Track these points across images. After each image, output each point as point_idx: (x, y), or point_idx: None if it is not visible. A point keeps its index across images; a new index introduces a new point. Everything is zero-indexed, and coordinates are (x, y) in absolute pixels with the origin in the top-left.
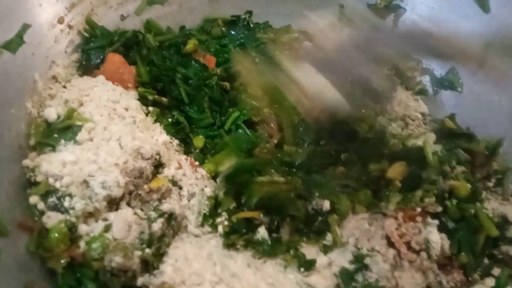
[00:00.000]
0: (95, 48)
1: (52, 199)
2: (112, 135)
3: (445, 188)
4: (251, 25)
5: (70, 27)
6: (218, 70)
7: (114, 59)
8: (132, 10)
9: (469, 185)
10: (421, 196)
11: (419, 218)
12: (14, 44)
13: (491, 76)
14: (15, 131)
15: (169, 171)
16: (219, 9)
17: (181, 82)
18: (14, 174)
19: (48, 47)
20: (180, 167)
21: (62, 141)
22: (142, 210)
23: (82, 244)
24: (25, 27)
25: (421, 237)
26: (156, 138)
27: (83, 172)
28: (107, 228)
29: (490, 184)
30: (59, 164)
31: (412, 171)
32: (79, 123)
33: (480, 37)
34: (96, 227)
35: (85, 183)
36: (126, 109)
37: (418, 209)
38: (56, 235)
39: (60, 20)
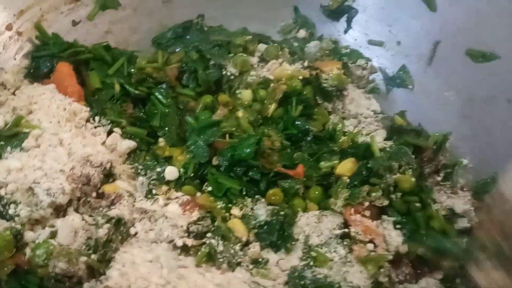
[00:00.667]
0: (45, 56)
1: None
2: (61, 142)
3: (391, 182)
4: (205, 28)
5: (19, 33)
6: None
7: (62, 70)
8: (85, 15)
9: (413, 179)
10: (368, 190)
11: (367, 212)
12: None
13: (441, 73)
14: None
15: (122, 183)
16: (174, 12)
17: None
18: None
19: None
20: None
21: (9, 148)
22: (91, 216)
23: (28, 251)
24: None
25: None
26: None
27: (28, 179)
28: (53, 235)
29: (439, 178)
30: (4, 171)
31: (360, 167)
32: (26, 130)
33: (428, 35)
34: (42, 233)
35: (30, 190)
36: (76, 116)
37: (366, 203)
38: (0, 242)
39: (9, 27)
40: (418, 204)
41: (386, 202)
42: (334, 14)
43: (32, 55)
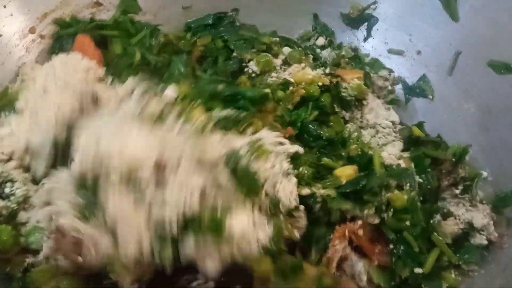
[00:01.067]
0: (67, 34)
1: None
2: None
3: (384, 200)
4: (237, 24)
5: (41, 36)
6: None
7: (81, 40)
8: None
9: (405, 197)
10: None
11: (360, 231)
12: None
13: (461, 84)
14: None
15: None
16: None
17: None
18: None
19: (19, 56)
20: None
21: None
22: None
23: (22, 239)
24: None
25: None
26: None
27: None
28: None
29: (457, 191)
30: None
31: (358, 177)
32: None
33: (449, 45)
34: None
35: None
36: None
37: (359, 222)
38: (6, 238)
39: (32, 30)
40: (408, 223)
41: (377, 220)
42: (354, 22)
43: (55, 35)
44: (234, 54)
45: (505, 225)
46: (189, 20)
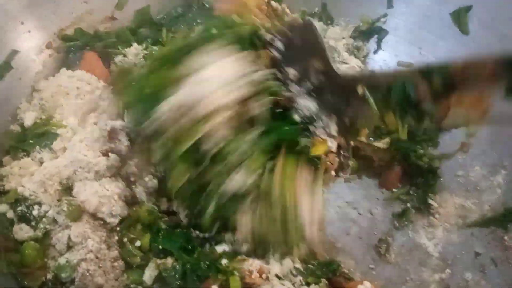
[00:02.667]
0: (74, 47)
1: (21, 208)
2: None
3: None
4: (206, 6)
5: (58, 51)
6: None
7: (89, 57)
8: None
9: None
10: None
11: None
12: (2, 69)
13: None
14: None
15: None
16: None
17: None
18: None
19: (36, 71)
20: None
21: (37, 147)
22: None
23: (51, 263)
24: (13, 53)
25: None
26: None
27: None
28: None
29: None
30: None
31: None
32: (54, 129)
33: (459, 58)
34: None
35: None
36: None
37: None
38: (30, 251)
39: (48, 45)
40: None
41: None
42: (364, 35)
43: (64, 48)
44: None
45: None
46: (158, 17)
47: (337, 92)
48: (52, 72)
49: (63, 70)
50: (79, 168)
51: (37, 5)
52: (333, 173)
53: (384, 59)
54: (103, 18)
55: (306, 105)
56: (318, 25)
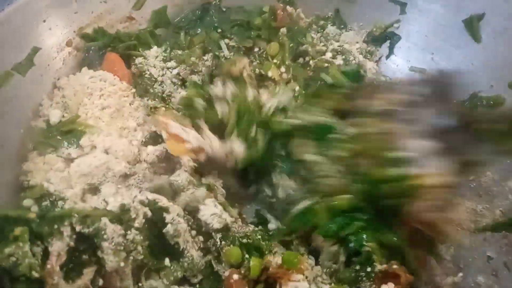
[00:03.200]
0: (96, 47)
1: (45, 203)
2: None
3: None
4: (224, 10)
5: (77, 49)
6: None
7: (111, 58)
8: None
9: None
10: None
11: None
12: (24, 66)
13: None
14: (14, 138)
15: None
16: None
17: None
18: (7, 178)
19: (56, 69)
20: None
21: (65, 143)
22: None
23: None
24: (35, 50)
25: None
26: None
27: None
28: None
29: None
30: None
31: None
32: (82, 128)
33: (471, 65)
34: None
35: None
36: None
37: None
38: None
39: (69, 43)
40: None
41: None
42: (377, 40)
43: (84, 48)
44: (232, 43)
45: None
46: (176, 19)
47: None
48: (72, 70)
49: (85, 69)
50: (108, 172)
51: (59, 3)
52: None
53: (397, 64)
54: (122, 17)
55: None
56: (331, 29)
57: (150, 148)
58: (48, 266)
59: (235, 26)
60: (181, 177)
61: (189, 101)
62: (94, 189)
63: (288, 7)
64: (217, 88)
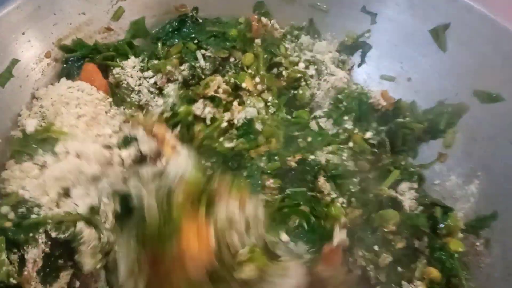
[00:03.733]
0: (74, 58)
1: (21, 210)
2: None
3: None
4: (200, 21)
5: (56, 60)
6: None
7: (88, 68)
8: None
9: None
10: None
11: None
12: (3, 78)
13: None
14: None
15: None
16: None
17: None
18: None
19: (35, 80)
20: None
21: (40, 151)
22: None
23: None
24: (14, 62)
25: None
26: None
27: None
28: None
29: None
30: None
31: None
32: (56, 136)
33: (437, 73)
34: None
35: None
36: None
37: None
38: None
39: (47, 55)
40: None
41: None
42: (349, 49)
43: (63, 59)
44: (208, 53)
45: (483, 245)
46: (154, 30)
47: None
48: (50, 80)
49: (63, 80)
50: (80, 175)
51: (38, 16)
52: None
53: (368, 72)
54: (100, 28)
55: None
56: (305, 39)
57: (125, 152)
58: (25, 272)
59: (211, 37)
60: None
61: None
62: (68, 193)
63: (263, 18)
64: (198, 110)
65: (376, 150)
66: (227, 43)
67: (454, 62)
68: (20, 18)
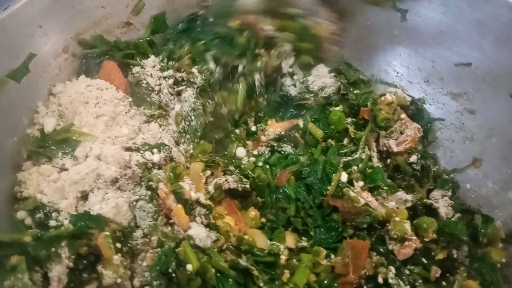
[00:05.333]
0: (94, 54)
1: (39, 215)
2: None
3: None
4: (209, 20)
5: (74, 55)
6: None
7: (108, 66)
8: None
9: None
10: None
11: None
12: (20, 73)
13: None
14: (8, 146)
15: None
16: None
17: None
18: (1, 188)
19: (52, 75)
20: None
21: (60, 154)
22: None
23: None
24: (31, 56)
25: None
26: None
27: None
28: None
29: None
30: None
31: None
32: (76, 137)
33: (473, 74)
34: None
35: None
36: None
37: None
38: None
39: (65, 49)
40: None
41: None
42: None
43: (82, 55)
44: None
45: None
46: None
47: None
48: (68, 76)
49: (82, 77)
50: (99, 178)
51: (56, 9)
52: None
53: (397, 71)
54: (119, 23)
55: None
56: None
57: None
58: None
59: (217, 38)
60: None
61: None
62: (86, 197)
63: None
64: None
65: None
66: (235, 50)
67: (491, 63)
68: (37, 11)
